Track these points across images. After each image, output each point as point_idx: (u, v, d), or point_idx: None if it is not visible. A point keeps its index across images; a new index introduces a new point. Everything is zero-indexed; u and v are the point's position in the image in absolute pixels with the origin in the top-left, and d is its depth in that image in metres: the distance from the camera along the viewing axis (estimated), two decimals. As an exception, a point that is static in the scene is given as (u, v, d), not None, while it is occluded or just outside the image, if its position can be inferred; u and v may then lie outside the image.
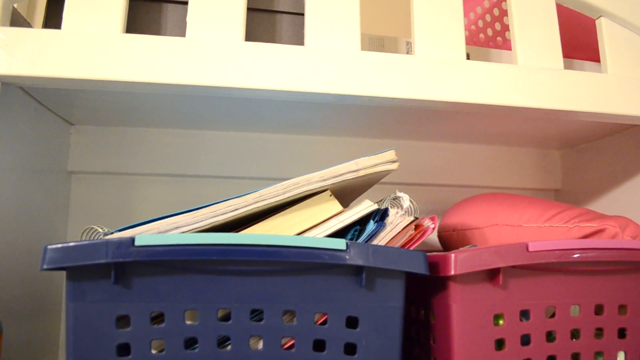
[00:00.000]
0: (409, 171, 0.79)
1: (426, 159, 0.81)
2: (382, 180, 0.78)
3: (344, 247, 0.42)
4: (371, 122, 0.71)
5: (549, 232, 0.57)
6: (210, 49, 0.50)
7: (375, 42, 0.67)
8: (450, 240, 0.68)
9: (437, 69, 0.54)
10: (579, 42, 0.67)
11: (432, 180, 0.80)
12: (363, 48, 0.53)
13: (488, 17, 0.85)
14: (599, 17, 0.60)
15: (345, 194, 0.56)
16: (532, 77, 0.55)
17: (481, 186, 0.81)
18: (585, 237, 0.55)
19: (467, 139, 0.79)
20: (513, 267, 0.46)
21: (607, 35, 0.60)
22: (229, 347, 0.42)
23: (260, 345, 0.43)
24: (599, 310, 0.48)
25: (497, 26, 0.84)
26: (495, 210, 0.63)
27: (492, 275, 0.46)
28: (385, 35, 0.67)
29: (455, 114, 0.66)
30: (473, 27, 0.87)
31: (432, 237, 0.79)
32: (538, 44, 0.57)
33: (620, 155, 0.72)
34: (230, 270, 0.42)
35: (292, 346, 0.43)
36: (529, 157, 0.84)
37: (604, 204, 0.74)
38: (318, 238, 0.42)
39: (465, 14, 0.88)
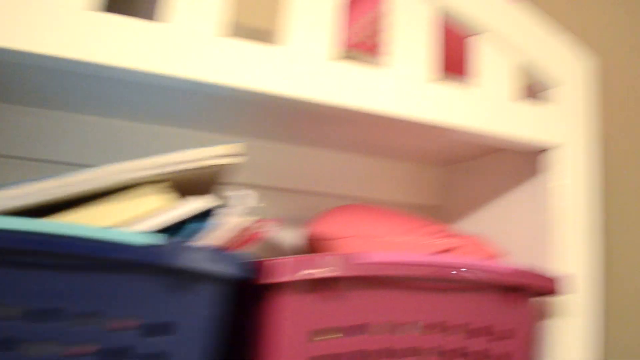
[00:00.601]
0: (279, 175, 0.76)
1: (300, 164, 0.77)
2: (250, 183, 0.74)
3: (151, 242, 0.37)
4: (243, 120, 0.67)
5: (402, 246, 0.55)
6: (49, 15, 0.44)
7: (246, 33, 0.63)
8: (314, 249, 0.65)
9: (301, 63, 0.51)
10: (449, 58, 0.67)
11: (305, 187, 0.77)
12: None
13: (373, 27, 0.84)
14: (475, 34, 0.60)
15: (188, 190, 0.51)
16: (399, 84, 0.54)
17: (357, 197, 0.79)
18: (437, 253, 0.53)
19: (345, 147, 0.77)
20: (344, 278, 0.43)
21: (481, 51, 0.59)
22: (6, 352, 0.36)
23: (48, 351, 0.37)
24: (439, 329, 0.47)
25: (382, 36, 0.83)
26: (358, 222, 0.61)
27: (321, 285, 0.42)
28: (260, 28, 0.63)
29: (329, 118, 0.63)
30: (361, 35, 0.86)
31: (300, 245, 0.76)
32: (408, 51, 0.56)
33: (489, 176, 0.73)
34: (14, 262, 0.36)
35: (86, 354, 0.37)
36: (408, 172, 0.83)
37: (476, 223, 0.74)
38: (122, 231, 0.37)
39: (352, 21, 0.86)
